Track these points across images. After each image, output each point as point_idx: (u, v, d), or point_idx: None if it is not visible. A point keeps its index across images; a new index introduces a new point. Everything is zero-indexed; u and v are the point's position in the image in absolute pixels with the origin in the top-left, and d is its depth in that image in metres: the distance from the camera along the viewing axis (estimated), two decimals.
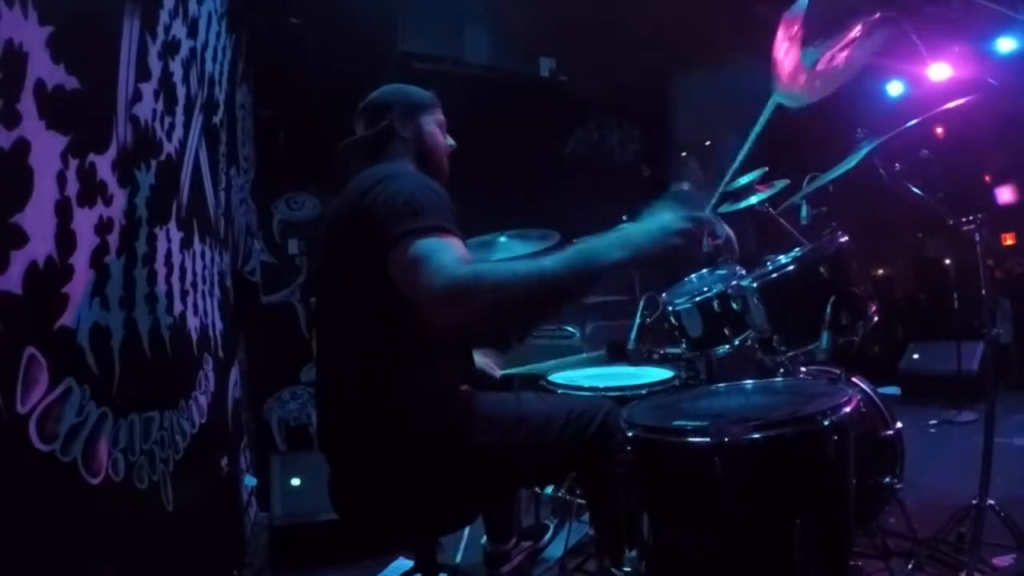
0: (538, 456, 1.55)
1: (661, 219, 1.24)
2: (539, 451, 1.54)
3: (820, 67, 1.49)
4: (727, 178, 1.40)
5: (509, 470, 1.57)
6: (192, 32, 2.14)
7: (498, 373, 2.03)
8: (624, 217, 2.95)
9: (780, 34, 1.51)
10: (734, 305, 2.07)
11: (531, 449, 1.53)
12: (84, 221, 1.20)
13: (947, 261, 5.22)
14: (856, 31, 1.51)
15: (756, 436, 1.34)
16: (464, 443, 1.46)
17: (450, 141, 1.72)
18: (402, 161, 1.60)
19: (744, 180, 2.74)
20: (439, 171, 1.67)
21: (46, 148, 1.06)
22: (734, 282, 2.05)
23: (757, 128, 1.39)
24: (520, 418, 1.54)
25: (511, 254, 2.94)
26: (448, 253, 1.20)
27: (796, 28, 1.49)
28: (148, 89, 1.63)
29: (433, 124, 1.68)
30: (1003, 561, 2.04)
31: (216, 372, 2.29)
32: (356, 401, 1.46)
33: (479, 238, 3.04)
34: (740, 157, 1.39)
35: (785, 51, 1.49)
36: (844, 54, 1.52)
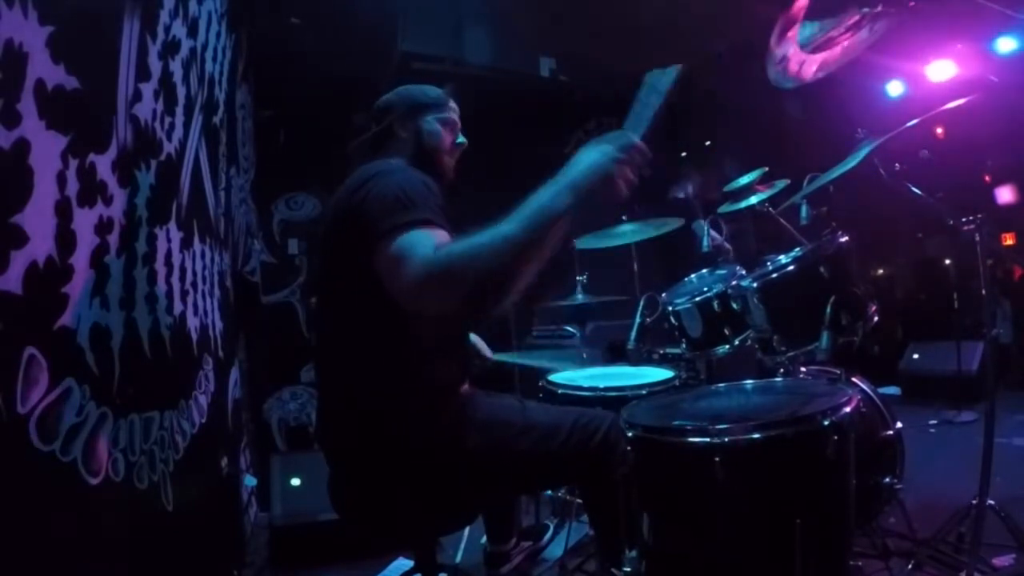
0: (541, 466, 1.56)
1: (593, 154, 1.24)
2: (542, 461, 1.54)
3: (817, 51, 1.49)
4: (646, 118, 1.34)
5: (510, 477, 1.57)
6: (192, 32, 2.14)
7: (491, 355, 2.03)
8: (623, 217, 2.96)
9: (778, 27, 1.50)
10: (734, 305, 2.07)
11: (534, 459, 1.53)
12: (84, 221, 1.20)
13: (947, 261, 5.20)
14: (855, 19, 1.50)
15: (756, 436, 1.34)
16: (464, 446, 1.46)
17: (460, 139, 1.69)
18: (398, 158, 1.60)
19: (744, 180, 2.74)
20: (440, 171, 1.64)
21: (46, 148, 1.06)
22: (734, 282, 2.05)
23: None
24: (524, 427, 1.54)
25: None
26: (426, 244, 1.21)
27: (794, 27, 1.49)
28: (148, 89, 1.63)
29: (436, 124, 1.65)
30: (1003, 561, 2.04)
31: (216, 372, 2.29)
32: (355, 400, 1.46)
33: None
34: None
35: (779, 40, 1.49)
36: (842, 42, 1.52)
